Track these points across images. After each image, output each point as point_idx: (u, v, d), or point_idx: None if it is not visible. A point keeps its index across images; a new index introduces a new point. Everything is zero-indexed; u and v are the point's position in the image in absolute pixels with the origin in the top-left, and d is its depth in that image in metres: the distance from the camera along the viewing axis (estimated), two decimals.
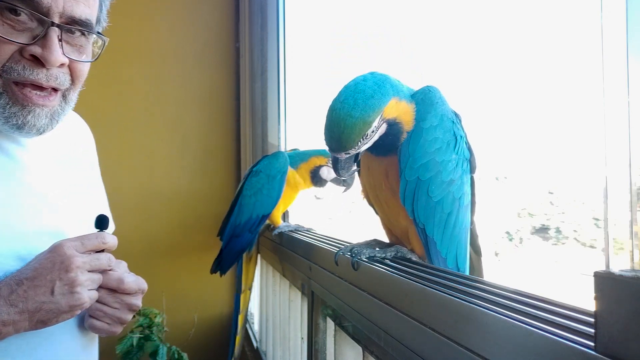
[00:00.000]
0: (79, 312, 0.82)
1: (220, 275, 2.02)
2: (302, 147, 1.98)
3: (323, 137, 0.89)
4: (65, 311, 0.80)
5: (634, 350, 0.37)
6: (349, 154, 0.89)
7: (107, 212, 1.18)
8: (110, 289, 0.88)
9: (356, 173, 1.07)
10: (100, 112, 2.62)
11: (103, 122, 2.63)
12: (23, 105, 0.81)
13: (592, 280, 0.40)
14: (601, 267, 0.41)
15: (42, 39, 0.78)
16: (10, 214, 0.84)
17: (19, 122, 0.81)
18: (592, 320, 0.41)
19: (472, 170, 0.99)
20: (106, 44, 0.89)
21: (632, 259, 0.85)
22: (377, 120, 0.86)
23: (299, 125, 2.58)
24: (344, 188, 1.72)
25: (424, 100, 0.93)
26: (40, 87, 0.81)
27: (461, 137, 0.95)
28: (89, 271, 0.82)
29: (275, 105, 2.55)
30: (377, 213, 1.08)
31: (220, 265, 1.99)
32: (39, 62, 0.79)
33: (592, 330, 0.41)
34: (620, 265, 0.93)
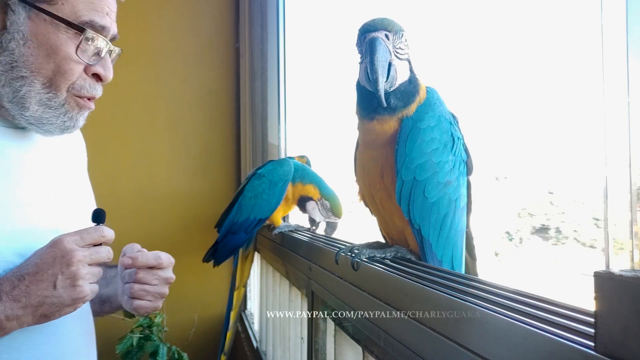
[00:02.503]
0: (81, 305, 0.84)
1: (214, 266, 2.02)
2: (310, 155, 1.97)
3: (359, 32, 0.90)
4: (68, 304, 0.81)
5: (634, 350, 0.37)
6: (388, 34, 0.88)
7: None
8: (149, 267, 0.94)
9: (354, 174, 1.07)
10: (100, 113, 2.61)
11: (103, 122, 2.63)
12: (80, 108, 0.92)
13: (592, 280, 0.40)
14: (601, 267, 0.41)
15: (102, 59, 0.90)
16: (9, 212, 0.86)
17: (72, 124, 0.92)
18: (592, 320, 0.41)
19: (468, 172, 0.99)
20: (119, 53, 0.98)
21: (632, 259, 0.85)
22: (407, 47, 0.90)
23: (299, 126, 2.58)
24: (312, 227, 1.79)
25: (421, 103, 0.93)
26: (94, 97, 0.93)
27: (458, 138, 0.95)
28: (89, 264, 0.84)
29: (275, 105, 2.55)
30: (372, 214, 1.08)
31: (214, 256, 1.99)
32: (99, 78, 0.92)
33: (592, 330, 0.41)
34: (620, 265, 0.93)
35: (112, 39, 0.93)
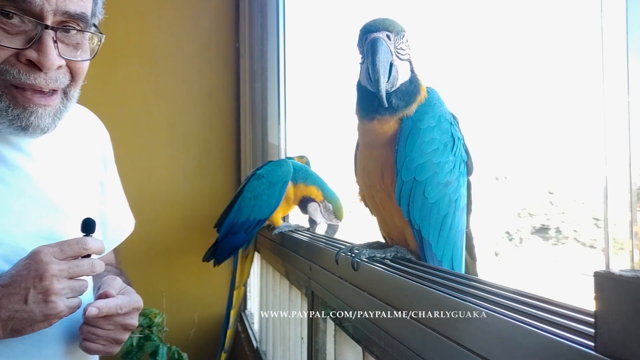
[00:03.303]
0: (56, 321, 0.79)
1: (214, 266, 2.03)
2: (310, 154, 1.97)
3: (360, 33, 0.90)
4: (40, 320, 0.76)
5: (634, 350, 0.37)
6: (389, 34, 0.88)
7: (126, 209, 1.17)
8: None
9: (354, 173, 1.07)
10: (99, 112, 2.61)
11: (102, 122, 2.62)
12: (24, 107, 0.79)
13: (592, 280, 0.40)
14: (601, 267, 0.41)
15: (36, 42, 0.76)
16: (2, 219, 0.82)
17: (23, 124, 0.80)
18: (592, 320, 0.41)
19: (469, 172, 0.99)
20: (102, 40, 0.87)
21: (632, 259, 0.85)
22: (408, 48, 0.90)
23: (299, 126, 2.58)
24: (311, 226, 1.79)
25: (421, 102, 0.93)
26: (40, 90, 0.80)
27: (459, 138, 0.95)
28: (70, 278, 0.79)
29: (275, 105, 2.55)
30: (372, 214, 1.08)
31: (214, 256, 2.00)
32: (36, 66, 0.78)
33: (592, 330, 0.41)
34: (620, 265, 0.93)
35: (66, 18, 0.79)
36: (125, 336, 0.90)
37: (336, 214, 1.72)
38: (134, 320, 0.90)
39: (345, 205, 1.74)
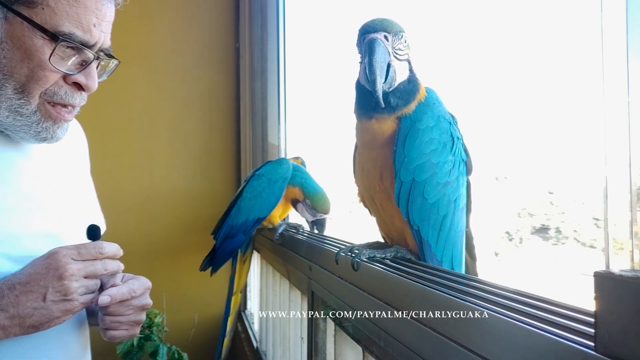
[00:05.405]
0: (70, 317, 0.84)
1: (211, 274, 2.02)
2: (304, 156, 1.96)
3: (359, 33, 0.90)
4: (57, 317, 0.81)
5: (634, 350, 0.37)
6: (387, 35, 0.88)
7: (99, 213, 1.19)
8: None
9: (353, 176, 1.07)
10: (100, 113, 2.62)
11: (103, 122, 2.63)
12: (55, 120, 0.87)
13: (592, 280, 0.40)
14: (601, 267, 0.41)
15: (86, 68, 0.86)
16: (4, 216, 0.85)
17: (49, 135, 0.88)
18: (592, 320, 0.41)
19: (468, 172, 0.99)
20: (117, 65, 0.96)
21: (632, 259, 0.85)
22: (407, 48, 0.90)
23: (299, 126, 2.58)
24: (312, 228, 1.76)
25: (421, 101, 0.93)
26: (70, 105, 0.88)
27: (458, 138, 0.94)
28: (84, 277, 0.83)
29: (275, 105, 2.55)
30: (372, 214, 1.08)
31: (211, 263, 1.99)
32: (79, 87, 0.87)
33: (592, 330, 0.41)
34: (620, 265, 0.93)
35: (103, 51, 0.89)
36: (144, 316, 0.95)
37: (317, 209, 1.69)
38: (149, 300, 0.95)
39: (327, 197, 1.71)
